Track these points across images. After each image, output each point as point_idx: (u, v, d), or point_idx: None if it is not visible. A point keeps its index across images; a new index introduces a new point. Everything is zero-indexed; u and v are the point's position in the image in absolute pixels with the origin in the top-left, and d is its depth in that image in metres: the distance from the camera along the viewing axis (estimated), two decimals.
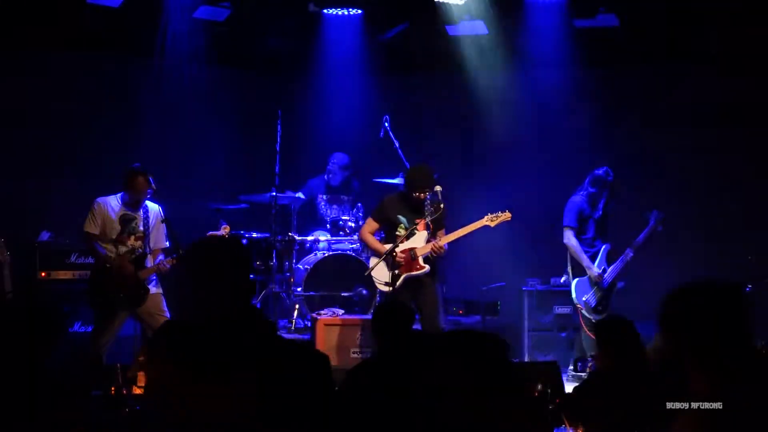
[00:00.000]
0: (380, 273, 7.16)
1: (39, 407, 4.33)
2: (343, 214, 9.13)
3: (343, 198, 9.35)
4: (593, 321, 7.86)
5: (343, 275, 8.53)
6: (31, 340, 4.67)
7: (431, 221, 7.11)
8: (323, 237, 8.92)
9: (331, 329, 7.60)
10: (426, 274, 7.14)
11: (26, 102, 8.85)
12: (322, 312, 7.85)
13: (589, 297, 7.86)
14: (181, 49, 9.42)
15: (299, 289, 8.54)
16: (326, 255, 8.68)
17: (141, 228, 7.19)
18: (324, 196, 9.35)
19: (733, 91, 9.29)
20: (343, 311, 7.92)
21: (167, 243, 7.31)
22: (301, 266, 8.76)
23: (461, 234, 7.17)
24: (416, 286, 7.15)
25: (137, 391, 5.52)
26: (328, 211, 9.28)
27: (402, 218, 7.14)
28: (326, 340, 7.55)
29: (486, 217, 7.23)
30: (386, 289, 7.11)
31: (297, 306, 8.58)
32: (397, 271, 7.09)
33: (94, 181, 8.97)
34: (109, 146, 9.19)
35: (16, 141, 8.84)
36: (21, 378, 4.41)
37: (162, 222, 7.28)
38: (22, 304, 5.67)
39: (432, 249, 7.05)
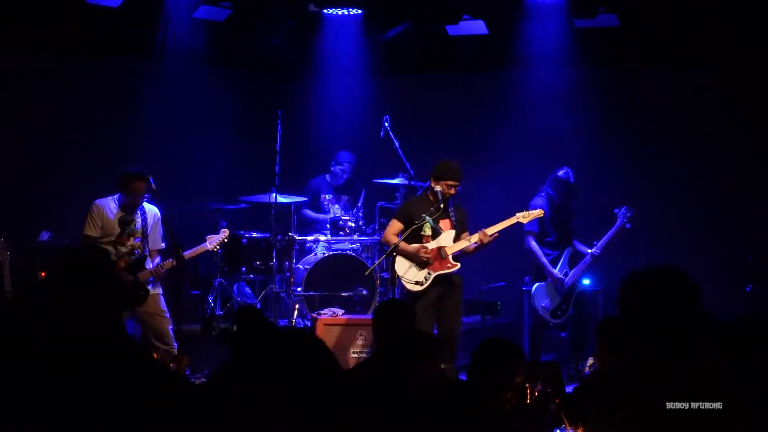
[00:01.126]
0: (409, 272, 7.16)
1: (38, 407, 4.32)
2: (345, 214, 9.14)
3: (344, 197, 9.36)
4: (551, 324, 7.96)
5: (343, 275, 8.53)
6: (30, 340, 4.66)
7: (456, 221, 7.19)
8: (323, 237, 8.92)
9: (331, 329, 7.60)
10: (456, 274, 7.19)
11: (26, 102, 8.84)
12: (322, 312, 7.86)
13: (548, 302, 7.92)
14: (181, 49, 9.41)
15: (299, 289, 8.54)
16: (326, 255, 8.68)
17: (139, 226, 7.17)
18: (327, 196, 9.35)
19: (732, 90, 9.28)
20: (343, 311, 7.91)
21: (163, 244, 7.30)
22: (301, 266, 8.75)
23: (497, 230, 7.22)
24: (445, 285, 7.18)
25: None
26: (332, 210, 9.28)
27: (427, 218, 7.13)
28: (326, 340, 7.51)
29: (518, 213, 7.30)
30: (416, 288, 7.11)
31: (297, 306, 8.58)
32: (427, 270, 7.12)
33: (94, 182, 8.96)
34: (110, 146, 9.18)
35: (16, 141, 8.83)
36: (20, 378, 4.40)
37: (160, 223, 7.27)
38: (22, 304, 5.68)
39: (480, 239, 7.09)
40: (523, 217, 7.30)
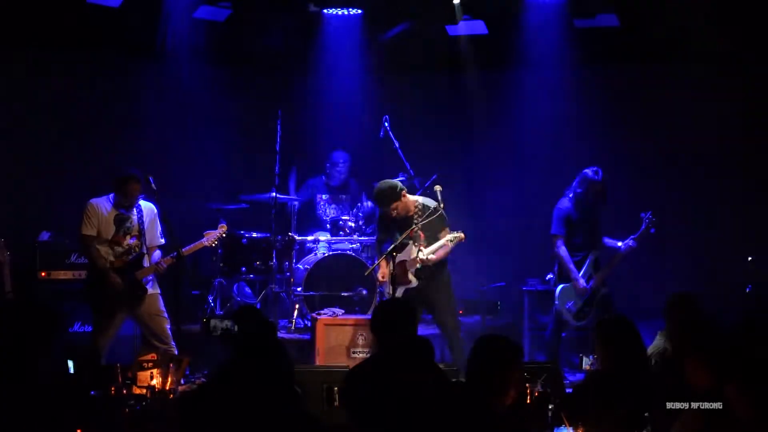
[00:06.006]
0: (387, 284, 7.34)
1: (39, 407, 4.32)
2: (343, 214, 9.13)
3: (342, 197, 9.34)
4: (572, 326, 7.90)
5: (343, 275, 8.52)
6: (30, 340, 4.67)
7: (420, 229, 7.18)
8: (323, 237, 8.92)
9: (331, 329, 7.61)
10: (426, 282, 7.22)
11: (26, 102, 8.83)
12: (322, 312, 7.85)
13: (572, 304, 7.85)
14: (181, 49, 9.41)
15: (299, 289, 8.54)
16: (326, 255, 8.67)
17: (135, 224, 7.12)
18: (324, 196, 9.34)
19: (732, 90, 9.28)
20: (343, 311, 7.92)
21: (163, 240, 7.27)
22: (301, 266, 8.75)
23: (435, 250, 7.20)
24: (420, 293, 7.26)
25: (137, 391, 5.53)
26: (328, 211, 9.27)
27: (397, 234, 7.24)
28: (326, 340, 7.55)
29: (447, 236, 7.20)
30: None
31: (297, 306, 8.58)
32: (397, 284, 7.24)
33: (94, 181, 8.96)
34: (110, 146, 9.18)
35: (16, 141, 8.82)
36: (21, 378, 4.40)
37: (157, 219, 7.24)
38: (22, 304, 5.69)
39: (418, 262, 7.17)
40: (450, 241, 7.17)
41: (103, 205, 7.09)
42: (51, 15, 8.62)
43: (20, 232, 8.31)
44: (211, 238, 7.52)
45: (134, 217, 7.14)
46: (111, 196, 7.13)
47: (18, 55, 8.76)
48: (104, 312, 7.04)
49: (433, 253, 7.16)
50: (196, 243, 7.45)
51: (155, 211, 7.23)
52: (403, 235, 7.15)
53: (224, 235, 7.68)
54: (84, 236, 7.06)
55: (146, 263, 7.13)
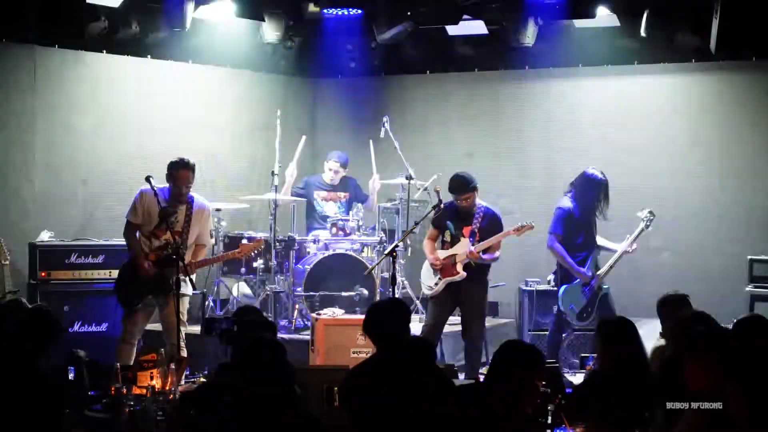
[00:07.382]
0: (426, 276, 7.62)
1: (38, 407, 4.33)
2: (341, 212, 9.12)
3: (339, 195, 9.33)
4: (574, 327, 7.93)
5: (343, 275, 8.52)
6: (29, 340, 4.67)
7: (478, 229, 7.39)
8: (323, 237, 8.91)
9: (331, 329, 7.61)
10: (468, 280, 7.39)
11: (25, 101, 8.82)
12: (322, 312, 7.86)
13: (575, 304, 7.85)
14: (181, 49, 9.42)
15: (299, 289, 8.54)
16: (326, 255, 8.67)
17: (181, 221, 7.03)
18: (320, 194, 9.33)
19: (733, 90, 9.29)
20: (343, 311, 7.92)
21: (212, 240, 7.13)
22: (301, 266, 8.75)
23: (484, 246, 7.40)
24: (458, 291, 7.45)
25: (137, 391, 5.53)
26: (325, 208, 9.24)
27: (450, 224, 7.48)
28: (326, 340, 7.56)
29: (511, 229, 7.48)
30: (429, 292, 7.55)
31: (297, 306, 8.58)
32: (439, 275, 7.47)
33: (95, 182, 8.98)
34: (109, 146, 9.17)
35: (16, 141, 8.81)
36: (21, 378, 4.40)
37: (208, 218, 7.23)
38: (22, 305, 5.70)
39: (467, 255, 7.35)
40: (515, 231, 7.47)
41: (153, 196, 6.97)
42: (51, 15, 8.60)
43: (20, 232, 8.31)
44: (245, 250, 7.52)
45: (182, 213, 7.09)
46: (167, 188, 7.11)
47: (17, 55, 8.74)
48: (130, 301, 7.06)
49: (483, 250, 7.38)
50: (228, 252, 7.57)
51: (208, 209, 7.25)
52: (406, 234, 7.54)
53: (261, 248, 7.74)
54: (128, 222, 7.14)
55: (187, 259, 6.98)
